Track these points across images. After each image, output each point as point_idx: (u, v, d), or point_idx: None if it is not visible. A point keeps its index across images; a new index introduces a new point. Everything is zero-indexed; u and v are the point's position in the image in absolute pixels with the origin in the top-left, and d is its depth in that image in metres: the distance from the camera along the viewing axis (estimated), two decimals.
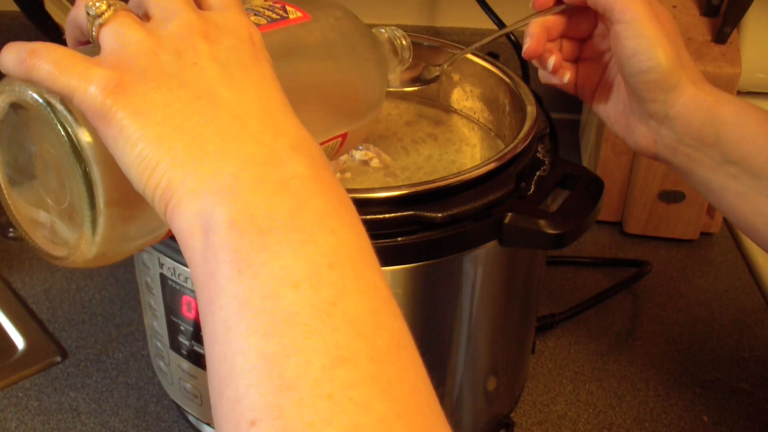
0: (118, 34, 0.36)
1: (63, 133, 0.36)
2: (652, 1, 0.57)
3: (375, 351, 0.32)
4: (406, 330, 0.34)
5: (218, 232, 0.33)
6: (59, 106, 0.36)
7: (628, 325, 0.83)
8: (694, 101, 0.56)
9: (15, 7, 0.55)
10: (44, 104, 0.36)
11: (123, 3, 0.37)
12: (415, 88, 0.67)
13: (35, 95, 0.36)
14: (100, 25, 0.36)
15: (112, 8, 0.37)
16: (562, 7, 0.59)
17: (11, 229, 0.91)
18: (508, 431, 0.68)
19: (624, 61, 0.56)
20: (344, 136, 0.51)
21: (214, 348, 0.33)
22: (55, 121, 0.36)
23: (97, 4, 0.37)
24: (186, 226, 0.34)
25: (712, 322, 0.83)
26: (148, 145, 0.34)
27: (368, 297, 0.33)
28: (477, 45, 0.66)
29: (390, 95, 0.75)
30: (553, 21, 0.59)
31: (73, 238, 0.39)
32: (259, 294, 0.32)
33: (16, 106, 0.38)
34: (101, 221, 0.38)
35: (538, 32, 0.59)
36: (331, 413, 0.30)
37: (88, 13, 0.37)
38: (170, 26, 0.36)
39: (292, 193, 0.34)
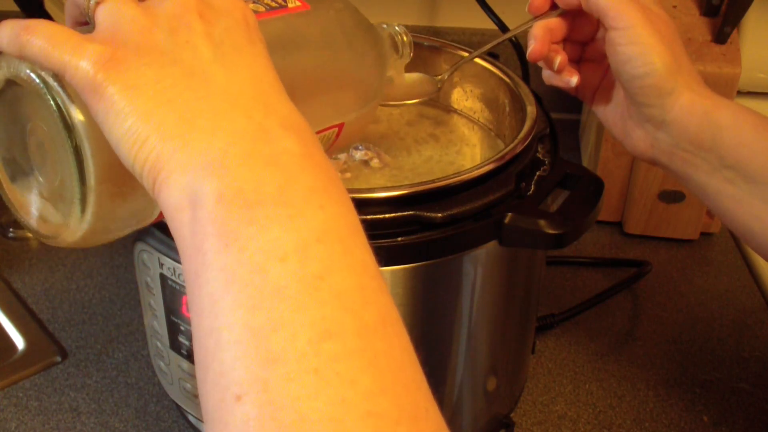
0: (113, 11, 0.36)
1: (55, 108, 0.36)
2: (647, 6, 0.57)
3: (362, 325, 0.32)
4: (392, 306, 0.34)
5: (206, 206, 0.33)
6: (52, 82, 0.36)
7: (628, 325, 0.83)
8: (690, 106, 0.56)
9: (15, 7, 0.55)
10: (37, 80, 0.36)
11: None
12: (417, 101, 0.67)
13: (29, 71, 0.36)
14: (97, 3, 0.37)
15: None
16: (559, 11, 0.59)
17: (11, 229, 0.91)
18: (508, 431, 0.69)
19: (619, 67, 0.56)
20: (340, 126, 0.51)
21: (200, 322, 0.33)
22: (48, 97, 0.36)
23: None
24: (174, 200, 0.34)
25: (712, 322, 0.83)
26: (138, 120, 0.34)
27: (356, 272, 0.33)
28: (478, 53, 0.66)
29: None
30: (556, 23, 0.59)
31: (63, 217, 0.39)
32: (247, 267, 0.32)
33: (10, 83, 0.38)
34: (91, 198, 0.38)
35: (542, 34, 0.59)
36: (317, 387, 0.30)
37: None
38: (166, 4, 0.36)
39: (281, 168, 0.34)
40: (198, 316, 0.33)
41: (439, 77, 0.66)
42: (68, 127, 0.37)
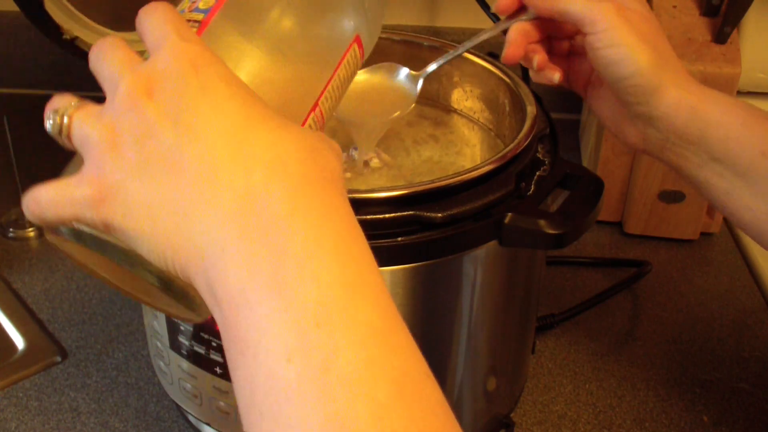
0: (81, 140, 0.37)
1: (98, 250, 0.38)
2: (623, 5, 0.56)
3: (376, 407, 0.31)
4: (408, 357, 0.33)
5: (221, 310, 0.33)
6: (84, 230, 0.38)
7: (628, 325, 0.83)
8: (677, 102, 0.56)
9: (15, 7, 0.55)
10: (73, 237, 0.38)
11: (74, 99, 0.38)
12: (397, 114, 0.64)
13: (65, 231, 0.38)
14: (67, 138, 0.37)
15: (65, 117, 0.37)
16: (534, 13, 0.59)
17: (11, 229, 0.91)
18: (508, 431, 0.68)
19: (602, 70, 0.56)
20: (357, 40, 0.49)
21: (244, 426, 0.33)
22: (89, 244, 0.38)
23: (51, 120, 0.37)
24: (207, 300, 0.35)
25: (712, 322, 0.83)
26: (149, 242, 0.35)
27: (362, 345, 0.32)
28: (448, 58, 0.64)
29: None
30: (532, 25, 0.59)
31: (188, 313, 0.41)
32: (261, 374, 0.32)
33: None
34: (194, 300, 0.39)
35: (516, 38, 0.59)
36: None
37: (52, 133, 0.38)
38: (116, 102, 0.36)
39: (272, 244, 0.33)
40: (242, 420, 0.33)
41: (419, 76, 0.65)
42: (121, 259, 0.38)
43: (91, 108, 0.37)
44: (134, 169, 0.35)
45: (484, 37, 0.62)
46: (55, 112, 0.37)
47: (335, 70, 0.48)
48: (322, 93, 0.47)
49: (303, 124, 0.46)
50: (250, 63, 0.43)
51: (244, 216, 0.34)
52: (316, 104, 0.47)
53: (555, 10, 0.56)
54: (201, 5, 0.43)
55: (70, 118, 0.37)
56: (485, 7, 0.87)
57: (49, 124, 0.38)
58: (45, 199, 0.37)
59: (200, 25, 0.42)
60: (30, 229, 0.92)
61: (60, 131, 0.37)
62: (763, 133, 0.55)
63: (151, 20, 0.38)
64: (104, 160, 0.36)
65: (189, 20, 0.42)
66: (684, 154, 0.57)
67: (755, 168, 0.55)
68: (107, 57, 0.38)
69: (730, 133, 0.55)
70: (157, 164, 0.35)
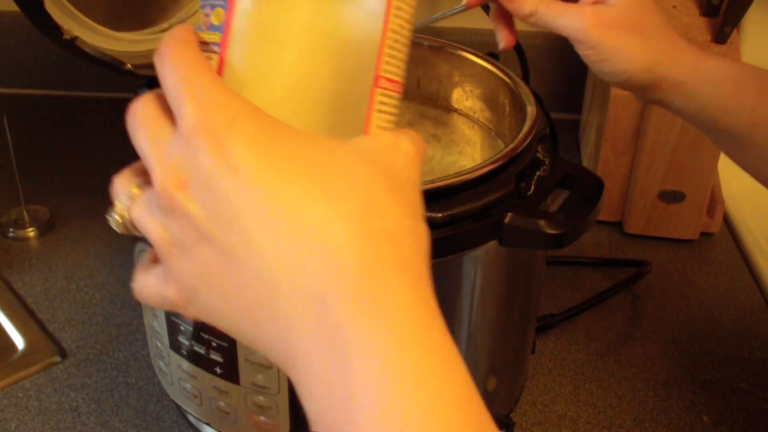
0: (146, 236, 0.36)
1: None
2: (605, 2, 0.58)
3: None
4: None
5: (309, 424, 0.33)
6: None
7: (628, 325, 0.83)
8: (671, 88, 0.59)
9: (15, 7, 0.55)
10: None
11: (130, 190, 0.36)
12: None
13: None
14: (137, 232, 0.37)
15: (125, 214, 0.36)
16: None
17: (11, 229, 0.91)
18: (508, 431, 0.68)
19: (599, 76, 0.60)
20: None
21: None
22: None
23: (113, 221, 0.37)
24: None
25: (712, 322, 0.83)
26: (240, 339, 0.35)
27: None
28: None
29: None
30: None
31: None
32: None
33: None
34: None
35: (504, 24, 0.64)
36: None
37: (121, 232, 0.37)
38: (158, 200, 0.34)
39: (339, 359, 0.31)
40: None
41: None
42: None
43: (145, 201, 0.36)
44: (198, 276, 0.34)
45: (450, 13, 0.67)
46: (114, 211, 0.36)
47: (385, 27, 0.40)
48: (380, 59, 0.40)
49: (370, 111, 0.41)
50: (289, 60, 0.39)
51: (307, 323, 0.32)
52: (377, 77, 0.41)
53: (539, 24, 0.60)
54: (214, 20, 0.39)
55: (129, 214, 0.36)
56: (485, 7, 0.87)
57: (113, 224, 0.37)
58: (145, 294, 0.37)
59: (219, 48, 0.38)
60: (30, 229, 0.92)
61: (127, 230, 0.37)
62: (752, 104, 0.58)
63: (164, 72, 0.35)
64: (172, 263, 0.35)
65: (207, 42, 0.38)
66: (688, 121, 0.62)
67: (748, 137, 0.59)
68: (137, 132, 0.35)
69: (723, 107, 0.59)
70: (216, 269, 0.33)
